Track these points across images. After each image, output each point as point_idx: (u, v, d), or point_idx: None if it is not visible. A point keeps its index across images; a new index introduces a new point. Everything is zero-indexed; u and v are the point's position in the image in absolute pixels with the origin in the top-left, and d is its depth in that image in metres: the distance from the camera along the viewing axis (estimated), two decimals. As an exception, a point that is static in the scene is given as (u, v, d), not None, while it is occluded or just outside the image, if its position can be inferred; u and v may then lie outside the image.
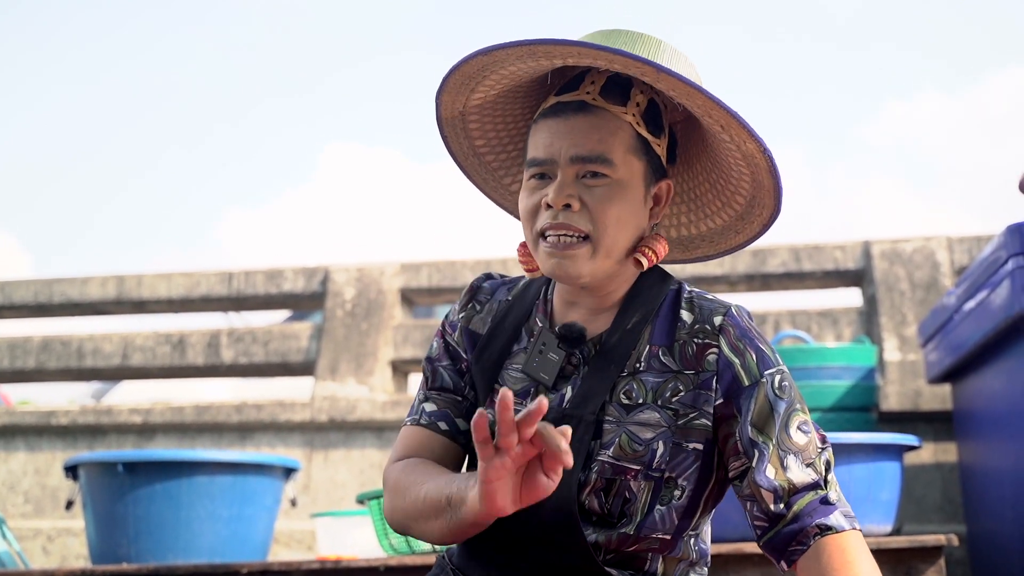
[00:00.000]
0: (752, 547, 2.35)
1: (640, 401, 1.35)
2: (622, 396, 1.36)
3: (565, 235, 1.34)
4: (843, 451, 2.54)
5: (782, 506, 1.30)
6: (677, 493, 1.34)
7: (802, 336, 3.69)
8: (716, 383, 1.35)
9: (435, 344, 1.54)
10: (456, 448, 1.46)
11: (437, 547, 2.55)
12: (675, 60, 1.38)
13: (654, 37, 1.39)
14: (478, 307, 1.52)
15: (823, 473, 1.33)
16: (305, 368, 4.71)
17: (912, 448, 2.70)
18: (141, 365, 4.88)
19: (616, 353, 1.37)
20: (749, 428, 1.32)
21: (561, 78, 1.44)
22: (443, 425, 1.46)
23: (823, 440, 1.37)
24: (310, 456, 4.40)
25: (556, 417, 1.35)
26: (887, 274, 4.18)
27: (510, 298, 1.51)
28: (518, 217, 1.58)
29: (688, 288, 1.45)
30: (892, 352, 4.00)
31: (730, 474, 1.36)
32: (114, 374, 5.09)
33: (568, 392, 1.38)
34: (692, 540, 1.40)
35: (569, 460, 1.07)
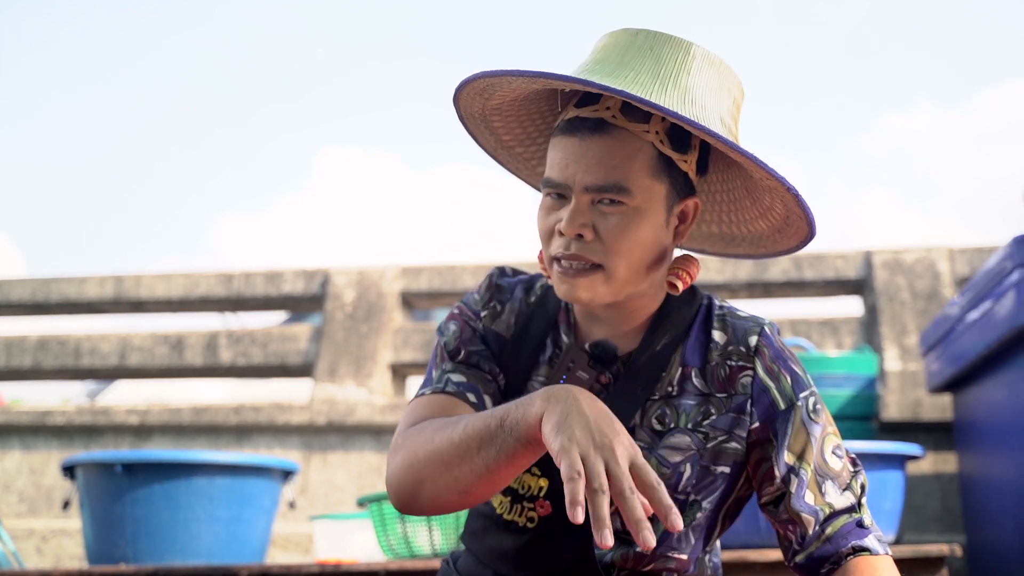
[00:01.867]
0: (755, 555, 2.34)
1: (672, 426, 1.31)
2: (654, 422, 1.32)
3: (577, 264, 1.27)
4: (846, 460, 2.54)
5: (818, 528, 1.28)
6: (699, 515, 1.32)
7: (803, 344, 3.69)
8: (751, 407, 1.31)
9: (454, 326, 1.44)
10: None
11: (440, 551, 2.54)
12: (705, 67, 1.28)
13: (684, 40, 1.29)
14: (499, 307, 1.44)
15: (858, 496, 1.32)
16: (304, 370, 4.70)
17: (914, 458, 2.70)
18: (139, 365, 4.86)
19: (645, 375, 1.32)
20: (786, 453, 1.30)
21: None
22: (472, 397, 1.34)
23: (855, 463, 1.36)
24: (308, 459, 4.39)
25: None
26: (888, 284, 4.18)
27: (531, 300, 1.44)
28: None
29: (719, 303, 1.40)
30: (893, 362, 4.00)
31: (763, 500, 1.33)
32: (111, 374, 5.07)
33: None
34: (707, 557, 1.39)
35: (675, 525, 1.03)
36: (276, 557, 4.08)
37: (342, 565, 2.53)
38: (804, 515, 1.28)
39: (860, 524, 1.29)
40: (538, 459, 1.26)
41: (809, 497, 1.29)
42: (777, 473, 1.30)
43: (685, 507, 1.31)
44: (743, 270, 4.37)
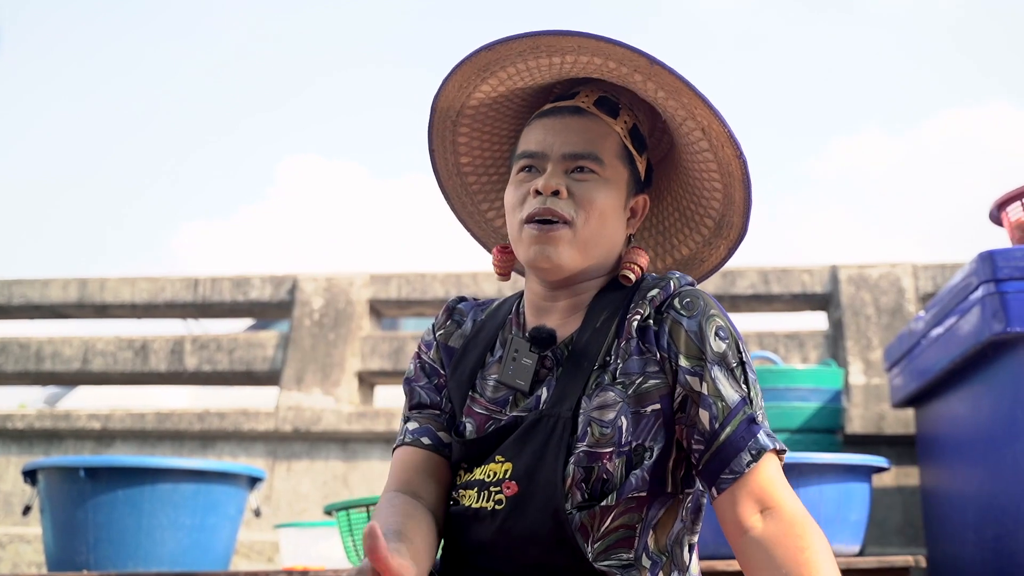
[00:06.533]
0: (724, 564, 2.36)
1: (602, 387, 1.37)
2: (593, 387, 1.37)
3: (549, 221, 1.38)
4: (814, 471, 2.57)
5: (717, 426, 1.30)
6: (647, 455, 1.33)
7: (770, 357, 3.72)
8: (649, 343, 1.36)
9: (412, 366, 1.58)
10: (439, 459, 1.48)
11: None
12: None
13: None
14: (455, 326, 1.56)
15: (745, 383, 1.33)
16: (270, 377, 4.66)
17: (880, 470, 2.73)
18: (102, 370, 4.80)
19: (589, 351, 1.39)
20: (681, 359, 1.33)
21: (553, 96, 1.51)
22: (426, 440, 1.48)
23: (739, 347, 1.36)
24: (273, 466, 4.35)
25: (535, 418, 1.37)
26: (853, 298, 4.23)
27: (483, 316, 1.55)
28: (488, 248, 1.65)
29: (648, 276, 1.47)
30: (857, 376, 4.05)
31: (676, 412, 1.35)
32: (74, 378, 5.00)
33: (544, 393, 1.39)
34: (684, 503, 1.39)
35: None
36: (239, 565, 4.03)
37: (309, 572, 2.51)
38: (700, 409, 1.31)
39: (753, 420, 1.30)
40: (502, 445, 1.37)
41: (704, 388, 1.31)
42: (680, 379, 1.33)
43: (632, 456, 1.33)
44: (711, 284, 4.40)
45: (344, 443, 4.34)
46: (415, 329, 6.51)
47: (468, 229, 1.68)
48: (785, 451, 1.33)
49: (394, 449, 1.52)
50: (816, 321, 4.74)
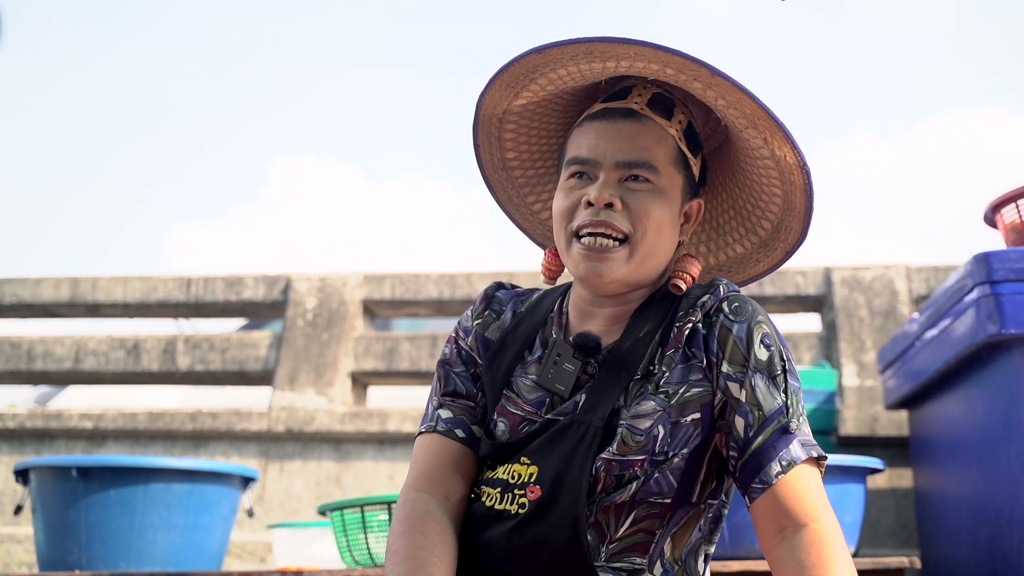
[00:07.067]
0: (719, 565, 2.35)
1: (644, 396, 1.35)
2: (634, 396, 1.35)
3: (603, 236, 1.35)
4: (808, 473, 2.57)
5: (751, 434, 1.30)
6: (676, 460, 1.32)
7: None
8: (696, 348, 1.35)
9: (448, 349, 1.54)
10: (468, 452, 1.44)
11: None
12: None
13: None
14: (493, 316, 1.52)
15: (784, 391, 1.32)
16: (263, 377, 4.65)
17: (875, 471, 2.73)
18: (94, 370, 4.77)
19: (629, 360, 1.36)
20: (725, 364, 1.33)
21: (605, 94, 1.46)
22: (460, 432, 1.45)
23: (784, 357, 1.35)
24: (265, 467, 4.34)
25: (566, 424, 1.34)
26: (847, 300, 4.24)
27: (523, 309, 1.51)
28: (535, 240, 1.61)
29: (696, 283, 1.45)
30: (850, 377, 4.05)
31: (715, 418, 1.34)
32: (65, 378, 4.98)
33: (583, 400, 1.36)
34: (705, 513, 1.38)
35: None
36: (232, 566, 4.02)
37: (303, 572, 2.51)
38: (736, 416, 1.30)
39: (786, 429, 1.29)
40: (529, 447, 1.34)
41: (743, 395, 1.31)
42: (720, 384, 1.32)
43: (664, 463, 1.32)
44: (705, 285, 4.40)
45: (337, 443, 4.33)
46: (408, 330, 6.50)
47: (514, 221, 1.64)
48: (825, 458, 1.32)
49: (420, 432, 1.48)
50: (810, 323, 4.75)
